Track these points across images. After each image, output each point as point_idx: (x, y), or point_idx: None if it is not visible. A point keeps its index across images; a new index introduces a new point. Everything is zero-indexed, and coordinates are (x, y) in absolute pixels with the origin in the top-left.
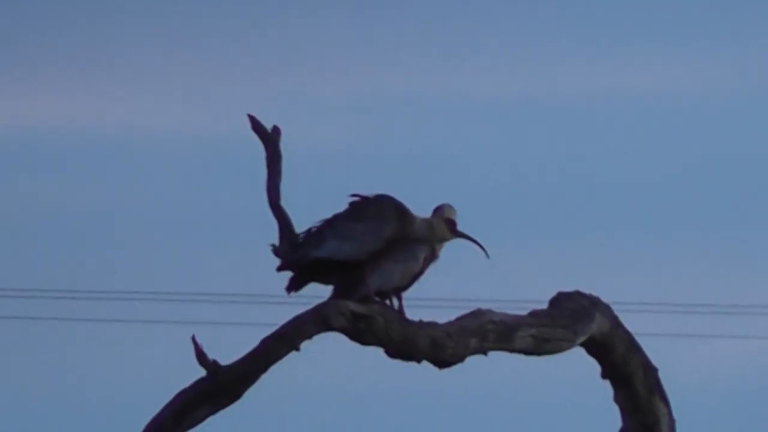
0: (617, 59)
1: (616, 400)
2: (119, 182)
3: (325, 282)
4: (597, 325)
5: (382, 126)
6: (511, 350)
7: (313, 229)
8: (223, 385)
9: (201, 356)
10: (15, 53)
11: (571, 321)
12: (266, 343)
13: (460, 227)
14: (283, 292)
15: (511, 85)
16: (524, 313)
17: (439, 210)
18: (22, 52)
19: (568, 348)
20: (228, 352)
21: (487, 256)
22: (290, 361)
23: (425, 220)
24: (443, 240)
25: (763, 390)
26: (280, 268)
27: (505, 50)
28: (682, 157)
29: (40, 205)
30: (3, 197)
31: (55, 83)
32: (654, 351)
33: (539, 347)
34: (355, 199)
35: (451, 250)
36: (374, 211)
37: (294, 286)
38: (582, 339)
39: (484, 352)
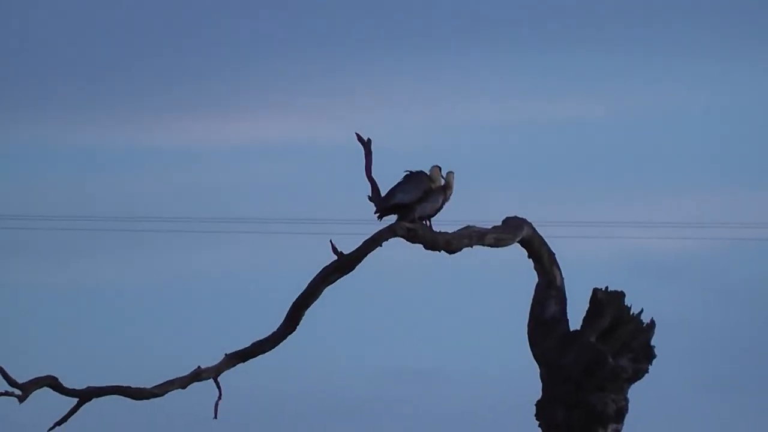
0: None
1: (535, 268)
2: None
3: (394, 213)
4: (525, 232)
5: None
6: (484, 245)
7: (390, 191)
8: (345, 263)
9: (334, 249)
10: None
11: (512, 229)
12: (366, 242)
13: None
14: (375, 218)
15: None
16: (490, 227)
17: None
18: None
19: (512, 243)
20: (347, 248)
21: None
22: (377, 251)
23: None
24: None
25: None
26: (376, 212)
27: None
28: None
29: None
30: None
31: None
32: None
33: (498, 243)
34: (407, 172)
35: (455, 199)
36: (417, 178)
37: (380, 216)
38: (519, 238)
39: (471, 246)
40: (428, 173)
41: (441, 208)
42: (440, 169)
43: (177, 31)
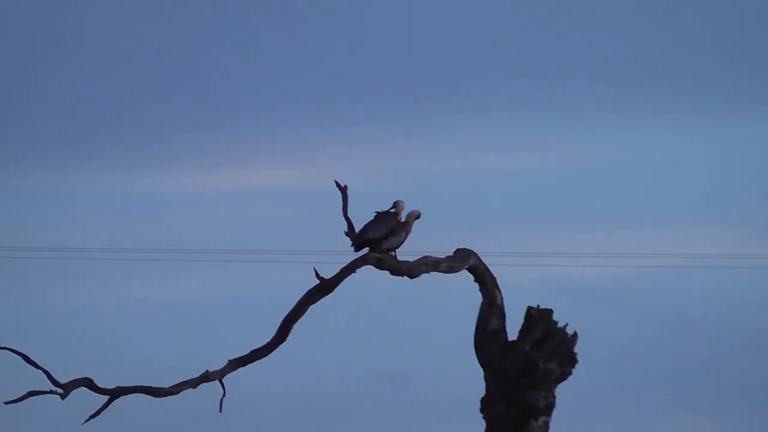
0: None
1: (480, 290)
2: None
3: (367, 246)
4: (472, 261)
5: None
6: (438, 271)
7: (363, 228)
8: (326, 286)
9: (317, 275)
10: None
11: (462, 258)
12: (343, 269)
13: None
14: (351, 250)
15: None
16: (443, 256)
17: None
18: None
19: (462, 270)
20: (328, 273)
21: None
22: (352, 277)
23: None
24: (410, 227)
25: None
26: (353, 245)
27: None
28: None
29: None
30: None
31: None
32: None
33: (450, 269)
34: (377, 212)
35: (416, 234)
36: (385, 217)
37: (357, 248)
38: (467, 266)
39: (428, 272)
40: (395, 206)
41: (404, 241)
42: (403, 202)
43: (193, 90)
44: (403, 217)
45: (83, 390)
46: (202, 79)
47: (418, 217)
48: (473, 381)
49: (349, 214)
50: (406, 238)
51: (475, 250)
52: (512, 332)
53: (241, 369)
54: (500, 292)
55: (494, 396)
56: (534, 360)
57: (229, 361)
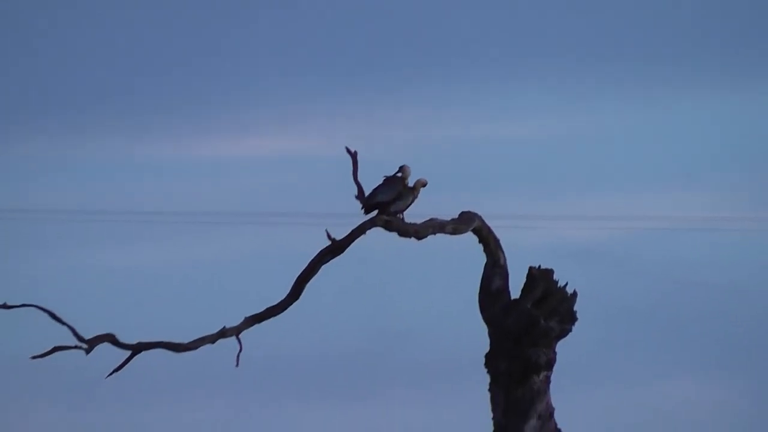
0: None
1: (484, 251)
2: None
3: (376, 209)
4: (476, 223)
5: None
6: (444, 233)
7: (372, 191)
8: (338, 246)
9: (329, 236)
10: None
11: (466, 221)
12: (354, 231)
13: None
14: (361, 213)
15: None
16: (449, 219)
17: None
18: None
19: (466, 231)
20: (339, 235)
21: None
22: (362, 238)
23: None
24: (417, 192)
25: None
26: (363, 207)
27: None
28: None
29: None
30: None
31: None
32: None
33: (455, 231)
34: (385, 177)
35: (422, 197)
36: (393, 181)
37: (366, 211)
38: (471, 228)
39: (434, 234)
40: (402, 171)
41: (411, 204)
42: (409, 167)
43: (217, 61)
44: (410, 182)
45: (106, 345)
46: (215, 47)
47: (424, 185)
48: (478, 337)
49: (359, 179)
50: (413, 201)
51: (480, 213)
52: (515, 291)
53: (257, 325)
54: (503, 252)
55: (498, 352)
56: (535, 317)
57: (246, 318)
